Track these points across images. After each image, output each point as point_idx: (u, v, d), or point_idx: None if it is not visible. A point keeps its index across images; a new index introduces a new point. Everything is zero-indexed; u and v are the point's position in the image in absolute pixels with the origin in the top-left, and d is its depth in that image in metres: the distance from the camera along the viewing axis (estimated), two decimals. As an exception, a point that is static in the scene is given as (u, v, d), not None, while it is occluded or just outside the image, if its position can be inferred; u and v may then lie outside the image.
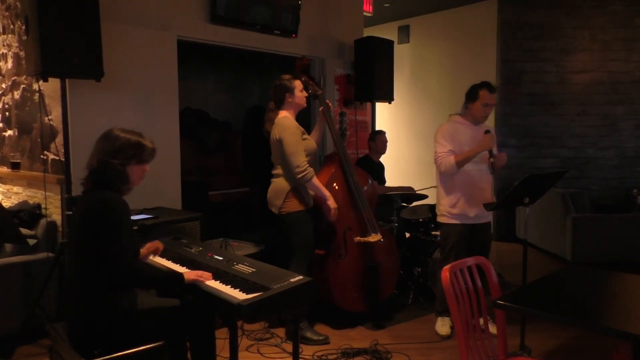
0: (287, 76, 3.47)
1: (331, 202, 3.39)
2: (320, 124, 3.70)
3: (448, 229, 3.47)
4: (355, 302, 3.65)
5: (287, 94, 3.40)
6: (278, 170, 3.42)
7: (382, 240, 3.58)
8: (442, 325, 3.54)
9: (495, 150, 3.40)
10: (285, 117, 3.38)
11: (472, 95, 3.41)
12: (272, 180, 3.47)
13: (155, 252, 2.58)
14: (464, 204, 3.40)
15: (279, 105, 3.45)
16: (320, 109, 3.66)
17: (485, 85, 3.38)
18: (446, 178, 3.44)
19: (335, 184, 3.60)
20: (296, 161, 3.23)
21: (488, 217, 3.53)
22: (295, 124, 3.36)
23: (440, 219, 3.53)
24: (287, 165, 3.29)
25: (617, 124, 6.43)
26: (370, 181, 3.93)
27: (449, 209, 3.44)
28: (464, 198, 3.40)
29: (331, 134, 3.72)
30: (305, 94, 3.49)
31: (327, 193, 3.40)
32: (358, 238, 3.58)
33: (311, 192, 3.44)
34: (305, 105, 3.55)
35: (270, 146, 3.48)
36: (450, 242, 3.44)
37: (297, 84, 3.44)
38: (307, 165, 3.27)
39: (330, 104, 3.69)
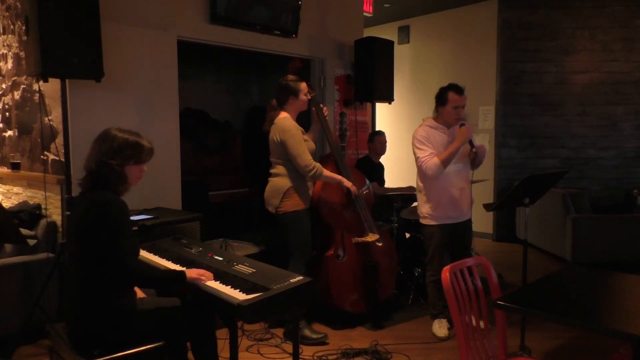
0: (293, 77, 3.46)
1: (346, 183, 3.46)
2: (316, 126, 3.71)
3: (431, 230, 3.50)
4: (355, 302, 3.66)
5: (290, 96, 3.42)
6: (276, 170, 3.43)
7: (379, 239, 3.59)
8: (440, 327, 3.53)
9: (475, 142, 3.40)
10: (285, 118, 3.39)
11: (441, 98, 3.42)
12: (270, 179, 3.48)
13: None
14: (444, 205, 3.44)
15: (281, 105, 3.46)
16: (313, 109, 3.68)
17: (452, 87, 3.39)
18: (426, 181, 3.46)
19: (330, 184, 3.60)
20: (303, 161, 3.26)
21: (468, 214, 3.57)
22: (295, 124, 3.38)
23: (423, 221, 3.55)
24: (295, 165, 3.31)
25: (617, 124, 6.44)
26: (367, 182, 3.94)
27: (431, 211, 3.47)
28: (445, 199, 3.43)
29: (325, 136, 3.74)
30: (308, 97, 3.50)
31: (338, 177, 3.46)
32: (356, 238, 3.59)
33: (311, 192, 3.47)
34: (306, 108, 3.57)
35: (269, 146, 3.49)
36: (434, 244, 3.49)
37: (303, 87, 3.45)
38: (314, 161, 3.30)
39: (323, 107, 3.70)
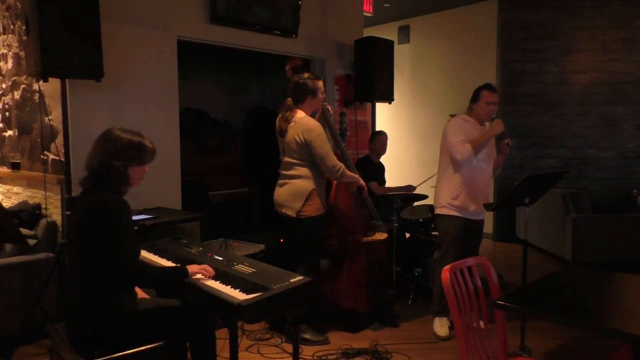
0: (309, 75, 3.37)
1: (362, 182, 3.46)
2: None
3: (447, 222, 3.47)
4: (364, 302, 3.64)
5: (309, 94, 3.32)
6: (296, 171, 3.30)
7: (387, 238, 3.61)
8: (441, 327, 3.52)
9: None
10: (307, 117, 3.30)
11: (475, 96, 3.54)
12: (287, 181, 3.34)
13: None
14: (465, 197, 3.43)
15: (298, 104, 3.36)
16: (319, 111, 3.64)
17: (486, 86, 3.52)
18: (452, 171, 3.46)
19: (340, 185, 3.59)
20: (331, 162, 3.21)
21: (483, 214, 3.57)
22: (318, 123, 3.30)
23: (440, 211, 3.52)
24: (321, 166, 3.23)
25: (617, 124, 6.43)
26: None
27: (451, 200, 3.45)
28: (466, 192, 3.43)
29: (332, 135, 3.70)
30: (324, 95, 3.45)
31: (356, 176, 3.45)
32: (365, 238, 3.58)
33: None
34: (321, 107, 3.51)
35: (279, 144, 3.42)
36: (449, 237, 3.45)
37: (320, 85, 3.37)
38: (339, 161, 3.27)
39: (329, 107, 3.67)
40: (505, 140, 3.42)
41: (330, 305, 3.63)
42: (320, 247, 3.40)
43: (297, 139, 3.22)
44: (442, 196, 3.51)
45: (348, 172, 3.32)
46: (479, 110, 3.50)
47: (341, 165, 3.25)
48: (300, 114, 3.32)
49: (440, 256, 3.52)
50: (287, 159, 3.35)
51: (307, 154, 3.24)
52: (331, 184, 3.57)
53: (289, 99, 3.39)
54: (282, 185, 3.38)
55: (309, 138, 3.18)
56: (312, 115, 3.45)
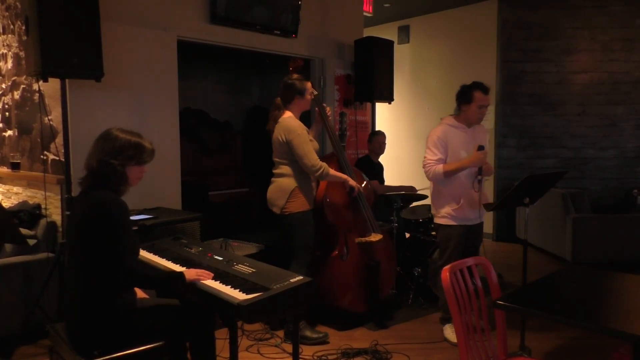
0: (298, 76, 3.44)
1: (351, 182, 3.47)
2: (317, 125, 3.71)
3: (448, 231, 3.41)
4: (357, 302, 3.65)
5: (296, 95, 3.40)
6: (280, 170, 3.40)
7: (382, 239, 3.58)
8: (453, 333, 3.40)
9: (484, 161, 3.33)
10: (290, 118, 3.37)
11: (465, 97, 3.35)
12: (274, 179, 3.45)
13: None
14: (465, 206, 3.37)
15: (286, 104, 3.44)
16: (316, 109, 3.67)
17: (478, 86, 3.33)
18: (448, 181, 3.37)
19: (334, 185, 3.60)
20: (310, 161, 3.25)
21: (482, 217, 3.53)
22: (300, 123, 3.37)
23: (439, 221, 3.46)
24: (301, 165, 3.30)
25: (617, 124, 6.44)
26: (366, 180, 3.93)
27: (451, 211, 3.38)
28: (466, 200, 3.36)
29: (328, 135, 3.73)
30: (313, 96, 3.49)
31: (344, 176, 3.46)
32: (359, 238, 3.58)
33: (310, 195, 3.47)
34: (310, 107, 3.57)
35: (272, 145, 3.47)
36: (452, 245, 3.39)
37: (308, 86, 3.44)
38: (320, 161, 3.29)
39: (327, 107, 3.69)
40: (479, 177, 3.25)
41: (328, 305, 3.63)
42: (310, 243, 3.41)
43: (280, 139, 3.33)
44: (441, 206, 3.43)
45: (331, 172, 3.36)
46: (470, 113, 3.34)
47: (322, 164, 3.29)
48: (286, 114, 3.40)
49: (443, 263, 3.41)
50: (274, 157, 3.46)
51: (289, 153, 3.33)
52: (329, 183, 3.58)
53: (278, 98, 3.46)
54: (271, 183, 3.48)
55: (289, 137, 3.27)
56: (303, 116, 3.50)
